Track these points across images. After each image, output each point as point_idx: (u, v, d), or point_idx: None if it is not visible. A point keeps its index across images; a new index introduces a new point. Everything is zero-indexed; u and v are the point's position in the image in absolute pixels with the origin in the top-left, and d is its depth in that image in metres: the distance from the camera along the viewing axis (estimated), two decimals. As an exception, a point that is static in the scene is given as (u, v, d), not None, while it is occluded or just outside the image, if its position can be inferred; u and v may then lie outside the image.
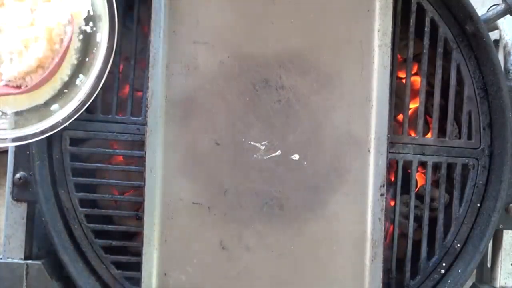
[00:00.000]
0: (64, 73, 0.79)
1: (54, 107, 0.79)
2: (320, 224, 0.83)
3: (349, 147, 0.83)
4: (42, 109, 0.79)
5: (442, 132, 0.92)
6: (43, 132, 0.78)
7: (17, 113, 0.79)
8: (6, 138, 0.77)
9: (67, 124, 0.78)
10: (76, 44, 0.78)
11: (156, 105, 0.82)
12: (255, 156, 0.82)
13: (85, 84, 0.78)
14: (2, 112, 0.79)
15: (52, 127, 0.78)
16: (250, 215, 0.83)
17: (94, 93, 0.78)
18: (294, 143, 0.82)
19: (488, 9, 0.95)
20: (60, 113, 0.78)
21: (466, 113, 0.91)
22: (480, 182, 0.92)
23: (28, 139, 0.78)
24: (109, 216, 0.95)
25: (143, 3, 0.90)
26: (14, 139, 0.77)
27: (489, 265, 0.98)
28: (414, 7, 0.89)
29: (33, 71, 0.76)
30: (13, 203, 0.90)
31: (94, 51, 0.79)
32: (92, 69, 0.78)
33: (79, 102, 0.78)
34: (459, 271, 0.89)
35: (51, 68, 0.75)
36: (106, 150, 0.90)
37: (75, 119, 0.79)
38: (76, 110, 0.78)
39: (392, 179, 0.93)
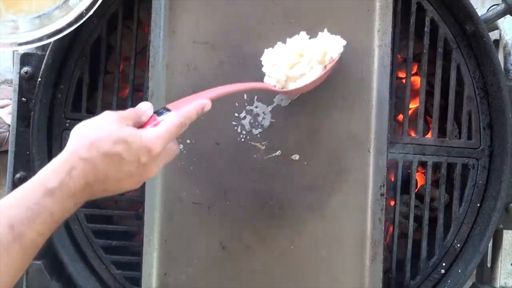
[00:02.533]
0: None
1: (72, 1, 0.78)
2: (320, 224, 0.83)
3: (349, 147, 0.83)
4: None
5: (442, 132, 0.92)
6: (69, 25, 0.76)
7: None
8: (13, 42, 0.75)
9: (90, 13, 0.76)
10: None
11: (156, 105, 0.82)
12: (255, 156, 0.82)
13: None
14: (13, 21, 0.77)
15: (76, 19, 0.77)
16: (250, 215, 0.83)
17: None
18: (294, 143, 0.82)
19: (488, 9, 0.95)
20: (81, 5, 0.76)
21: (466, 113, 0.91)
22: (480, 182, 0.92)
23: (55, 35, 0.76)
24: (109, 216, 0.95)
25: (143, 3, 0.90)
26: (21, 44, 0.76)
27: (489, 265, 0.98)
28: (414, 7, 0.89)
29: None
30: (13, 203, 0.90)
31: None
32: None
33: None
34: (459, 271, 0.89)
35: None
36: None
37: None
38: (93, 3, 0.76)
39: (392, 179, 0.93)
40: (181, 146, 0.82)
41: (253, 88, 0.78)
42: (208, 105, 0.66)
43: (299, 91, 0.78)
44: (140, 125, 0.60)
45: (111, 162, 0.55)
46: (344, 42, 0.81)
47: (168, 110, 0.63)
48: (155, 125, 0.60)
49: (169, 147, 0.62)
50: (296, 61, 0.77)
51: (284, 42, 0.80)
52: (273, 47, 0.80)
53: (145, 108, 0.62)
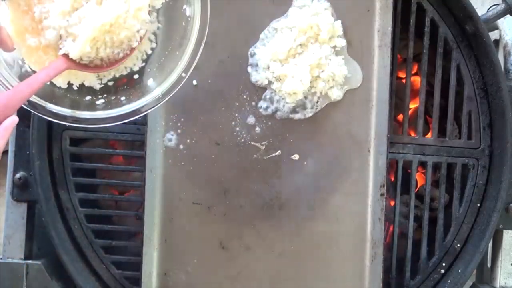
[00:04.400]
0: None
1: (150, 82, 0.71)
2: (320, 224, 0.83)
3: (349, 147, 0.83)
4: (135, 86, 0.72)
5: (442, 132, 0.92)
6: (145, 107, 0.68)
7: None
8: (107, 117, 0.68)
9: (167, 99, 0.69)
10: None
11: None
12: (255, 156, 0.82)
13: (183, 55, 0.69)
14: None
15: (153, 103, 0.69)
16: (250, 215, 0.83)
17: (193, 62, 0.69)
18: (294, 143, 0.82)
19: (488, 9, 0.95)
20: (158, 89, 0.69)
21: (466, 113, 0.91)
22: (480, 182, 0.92)
23: (128, 117, 0.68)
24: (109, 216, 0.95)
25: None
26: (116, 118, 0.68)
27: (489, 265, 0.98)
28: (414, 7, 0.89)
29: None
30: (13, 203, 0.90)
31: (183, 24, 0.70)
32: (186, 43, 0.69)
33: (178, 75, 0.68)
34: (459, 271, 0.89)
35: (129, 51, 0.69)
36: (106, 150, 0.90)
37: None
38: (175, 84, 0.69)
39: (392, 179, 0.93)
40: (181, 146, 0.82)
41: (53, 75, 0.65)
42: (15, 122, 0.59)
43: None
44: None
45: None
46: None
47: None
48: None
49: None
50: None
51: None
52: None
53: None
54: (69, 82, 0.69)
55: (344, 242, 0.83)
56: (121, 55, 0.68)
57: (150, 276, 0.82)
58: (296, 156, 0.83)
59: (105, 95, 0.71)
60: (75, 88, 0.70)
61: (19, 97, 0.59)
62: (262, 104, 0.82)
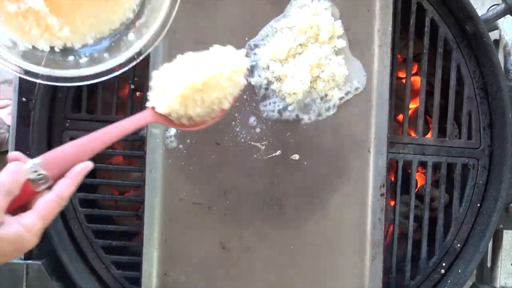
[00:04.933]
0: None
1: (131, 37, 0.71)
2: (320, 224, 0.83)
3: (349, 147, 0.83)
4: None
5: (442, 132, 0.92)
6: (129, 60, 0.68)
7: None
8: (89, 75, 0.68)
9: (148, 52, 0.69)
10: None
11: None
12: (255, 156, 0.82)
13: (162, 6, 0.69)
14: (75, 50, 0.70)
15: (135, 56, 0.68)
16: (250, 215, 0.83)
17: (172, 14, 0.68)
18: (294, 143, 0.82)
19: (488, 9, 0.95)
20: (139, 42, 0.69)
21: (466, 113, 0.91)
22: (480, 182, 0.92)
23: (112, 72, 0.68)
24: (109, 216, 0.95)
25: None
26: (99, 74, 0.68)
27: (489, 265, 0.98)
28: (414, 7, 0.89)
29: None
30: (13, 203, 0.90)
31: None
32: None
33: (157, 27, 0.69)
34: (459, 271, 0.89)
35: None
36: (106, 150, 0.90)
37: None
38: (156, 35, 0.69)
39: (392, 179, 0.93)
40: (181, 146, 0.82)
41: (137, 127, 0.67)
42: (88, 168, 0.60)
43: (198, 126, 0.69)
44: (13, 199, 0.54)
45: None
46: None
47: (42, 170, 0.57)
48: (28, 203, 0.55)
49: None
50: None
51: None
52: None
53: (16, 173, 0.56)
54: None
55: (344, 242, 0.83)
56: (211, 114, 0.68)
57: (150, 276, 0.82)
58: (296, 156, 0.83)
59: (87, 54, 0.71)
60: (57, 50, 0.69)
61: (95, 144, 0.61)
62: (263, 104, 0.82)
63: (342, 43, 0.81)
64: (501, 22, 0.97)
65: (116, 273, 0.89)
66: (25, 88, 0.89)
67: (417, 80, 0.94)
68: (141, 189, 0.84)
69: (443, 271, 0.91)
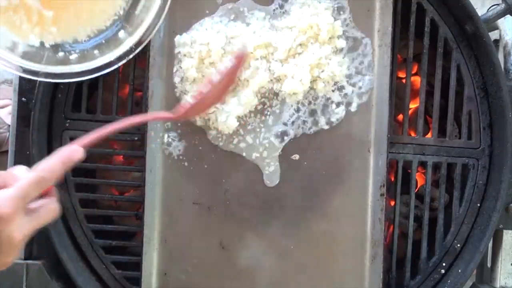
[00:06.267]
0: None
1: (122, 34, 0.72)
2: (320, 224, 0.83)
3: (349, 147, 0.83)
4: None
5: (442, 132, 0.92)
6: (119, 58, 0.69)
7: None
8: (82, 71, 0.68)
9: (139, 49, 0.70)
10: None
11: (156, 105, 0.82)
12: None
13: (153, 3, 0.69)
14: (70, 45, 0.70)
15: (126, 54, 0.69)
16: (250, 215, 0.83)
17: (164, 10, 0.69)
18: (294, 143, 0.82)
19: (488, 9, 0.95)
20: (130, 39, 0.70)
21: (466, 113, 0.91)
22: (480, 182, 0.92)
23: (102, 69, 0.69)
24: (109, 216, 0.95)
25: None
26: (88, 71, 0.69)
27: (489, 265, 0.98)
28: (414, 7, 0.89)
29: None
30: (13, 203, 0.90)
31: None
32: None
33: (149, 25, 0.69)
34: (459, 271, 0.89)
35: None
36: (106, 150, 0.90)
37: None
38: (147, 32, 0.70)
39: (392, 179, 0.93)
40: (181, 146, 0.82)
41: (145, 120, 0.71)
42: (78, 153, 0.59)
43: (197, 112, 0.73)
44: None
45: None
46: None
47: None
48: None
49: (44, 205, 0.55)
50: None
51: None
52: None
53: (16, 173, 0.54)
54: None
55: (344, 242, 0.83)
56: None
57: (150, 276, 0.82)
58: (296, 156, 0.83)
59: (77, 50, 0.71)
60: (47, 46, 0.69)
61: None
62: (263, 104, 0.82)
63: (342, 43, 0.81)
64: (501, 22, 0.97)
65: (116, 273, 0.89)
66: (25, 88, 0.89)
67: (417, 80, 0.94)
68: (141, 189, 0.84)
69: (443, 271, 0.91)
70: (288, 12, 0.81)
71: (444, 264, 0.91)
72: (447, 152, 0.91)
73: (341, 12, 0.82)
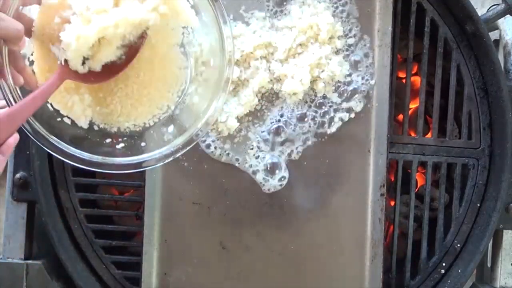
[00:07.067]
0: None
1: (171, 129, 0.69)
2: (320, 224, 0.83)
3: (349, 147, 0.83)
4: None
5: (442, 132, 0.92)
6: (166, 156, 0.65)
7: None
8: (127, 164, 0.64)
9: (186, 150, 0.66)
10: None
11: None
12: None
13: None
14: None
15: (169, 155, 0.65)
16: (250, 215, 0.83)
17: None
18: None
19: (488, 9, 0.95)
20: (180, 139, 0.66)
21: (466, 113, 0.91)
22: (480, 182, 0.92)
23: (147, 166, 0.65)
24: (109, 216, 0.95)
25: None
26: (135, 165, 0.64)
27: (489, 265, 0.98)
28: (414, 7, 0.89)
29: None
30: (13, 203, 0.90)
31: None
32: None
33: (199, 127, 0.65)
34: (459, 271, 0.89)
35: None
36: (106, 150, 0.90)
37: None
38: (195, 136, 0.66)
39: (392, 179, 0.93)
40: (181, 146, 0.82)
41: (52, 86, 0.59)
42: (16, 140, 0.57)
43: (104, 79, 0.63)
44: None
45: None
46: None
47: None
48: None
49: None
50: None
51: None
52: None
53: None
54: (90, 121, 0.66)
55: (344, 242, 0.83)
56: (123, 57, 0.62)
57: (150, 276, 0.82)
58: (296, 156, 0.83)
59: (125, 138, 0.68)
60: (96, 128, 0.67)
61: (24, 113, 0.57)
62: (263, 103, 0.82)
63: (342, 43, 0.81)
64: (501, 22, 0.97)
65: (116, 273, 0.89)
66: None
67: (417, 80, 0.94)
68: (141, 189, 0.84)
69: (443, 271, 0.91)
70: (288, 12, 0.81)
71: (444, 264, 0.91)
72: (447, 152, 0.91)
73: (341, 12, 0.82)
